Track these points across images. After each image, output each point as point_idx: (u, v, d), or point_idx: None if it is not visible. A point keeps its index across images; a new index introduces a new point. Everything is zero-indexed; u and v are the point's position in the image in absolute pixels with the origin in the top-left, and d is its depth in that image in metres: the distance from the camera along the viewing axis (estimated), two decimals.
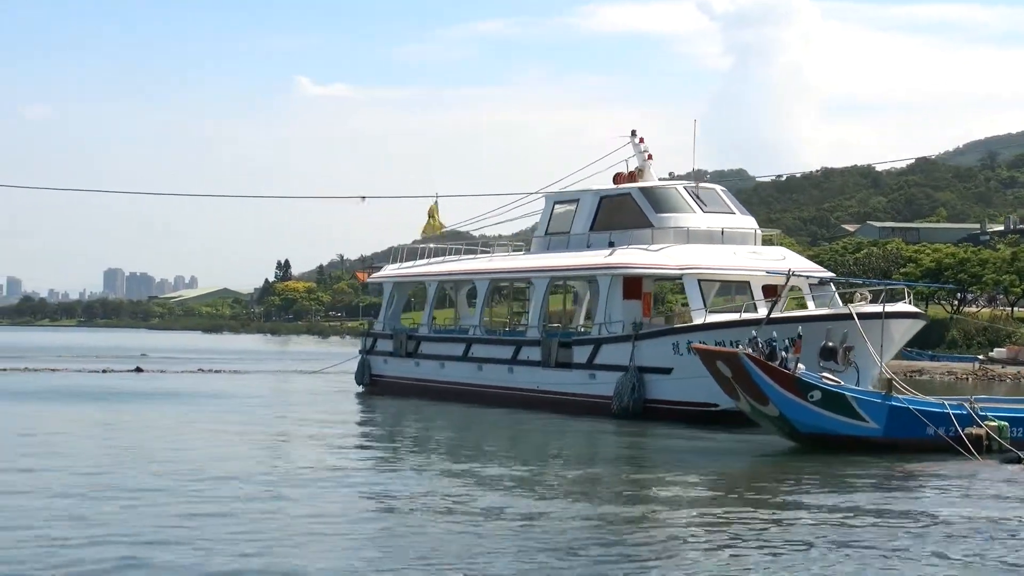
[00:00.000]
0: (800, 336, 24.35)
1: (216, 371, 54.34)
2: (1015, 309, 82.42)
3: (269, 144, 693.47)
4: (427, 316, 41.21)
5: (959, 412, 23.96)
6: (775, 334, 24.85)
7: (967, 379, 56.12)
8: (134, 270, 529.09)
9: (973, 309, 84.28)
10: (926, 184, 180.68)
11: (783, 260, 33.10)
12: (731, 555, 13.49)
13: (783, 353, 24.19)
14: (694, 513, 16.70)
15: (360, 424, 31.69)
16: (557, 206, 37.27)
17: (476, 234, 47.27)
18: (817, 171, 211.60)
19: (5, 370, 51.40)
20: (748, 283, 32.74)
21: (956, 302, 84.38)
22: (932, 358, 66.50)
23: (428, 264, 42.23)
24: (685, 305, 61.99)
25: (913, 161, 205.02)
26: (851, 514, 16.46)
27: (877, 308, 27.67)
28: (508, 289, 42.16)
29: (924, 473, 21.12)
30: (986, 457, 22.77)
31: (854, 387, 24.93)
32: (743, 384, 24.40)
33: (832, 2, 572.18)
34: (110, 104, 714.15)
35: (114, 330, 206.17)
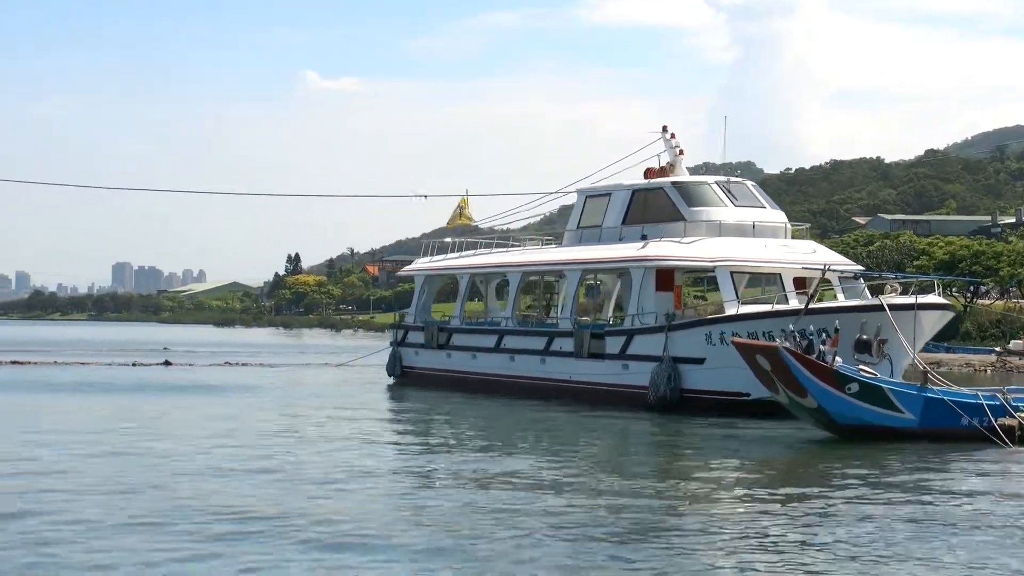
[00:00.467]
0: (837, 330, 24.93)
1: (243, 364, 54.96)
2: None
3: (277, 138, 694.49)
4: (459, 308, 41.89)
5: (992, 403, 24.55)
6: (812, 327, 25.44)
7: (986, 371, 56.60)
8: (142, 264, 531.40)
9: (986, 301, 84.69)
10: (935, 176, 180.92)
11: (814, 253, 33.78)
12: (772, 542, 13.95)
13: (820, 347, 24.78)
14: (739, 501, 17.34)
15: (405, 416, 32.21)
16: (589, 200, 37.91)
17: (496, 228, 47.92)
18: (826, 163, 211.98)
19: (36, 363, 52.10)
20: (779, 275, 33.38)
21: (970, 294, 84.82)
22: (948, 350, 66.95)
23: (460, 257, 42.92)
24: (698, 297, 62.53)
25: (922, 153, 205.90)
26: (892, 499, 17.07)
27: (909, 300, 28.24)
28: (539, 282, 42.73)
29: (960, 461, 21.71)
30: (1019, 446, 23.38)
31: (890, 379, 25.51)
32: (782, 377, 24.97)
33: None
34: (118, 98, 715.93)
35: (125, 324, 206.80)
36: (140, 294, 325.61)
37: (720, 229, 33.83)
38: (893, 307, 27.51)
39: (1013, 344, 66.63)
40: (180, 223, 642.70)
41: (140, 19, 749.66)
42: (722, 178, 35.97)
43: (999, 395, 24.96)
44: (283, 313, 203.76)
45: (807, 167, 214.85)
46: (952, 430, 24.25)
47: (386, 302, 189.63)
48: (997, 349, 65.22)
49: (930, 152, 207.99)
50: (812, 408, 24.95)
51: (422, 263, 44.94)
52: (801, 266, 32.01)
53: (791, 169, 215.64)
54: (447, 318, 43.50)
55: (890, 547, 13.71)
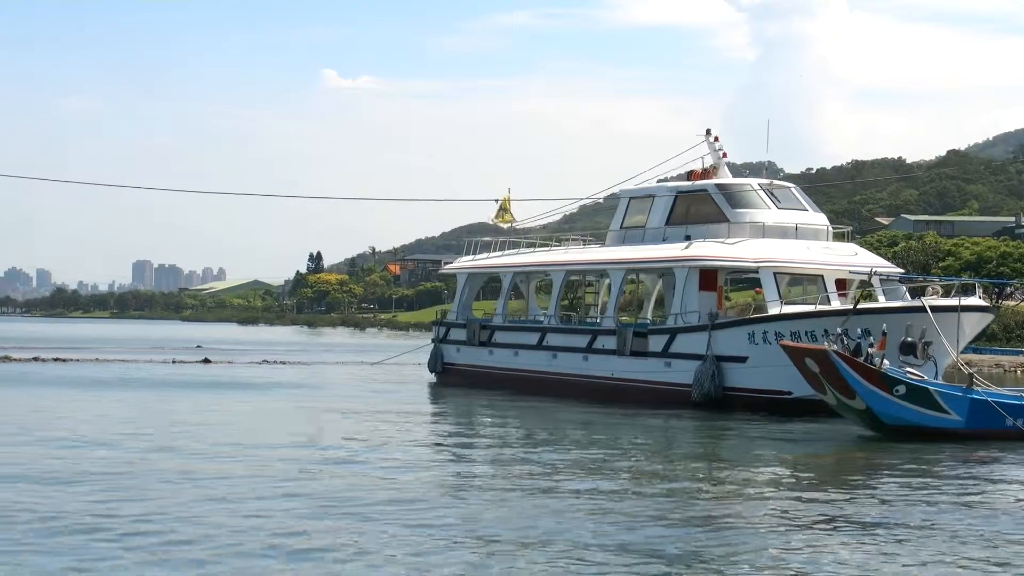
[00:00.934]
0: (885, 333, 25.47)
1: (281, 362, 55.67)
2: None
3: (296, 137, 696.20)
4: (501, 306, 42.60)
5: None
6: (860, 329, 25.99)
7: (1016, 372, 56.96)
8: (162, 262, 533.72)
9: (1012, 302, 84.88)
10: (958, 177, 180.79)
11: (855, 256, 34.35)
12: (826, 536, 14.43)
13: (868, 349, 25.35)
14: (788, 495, 17.90)
15: (451, 412, 32.87)
16: (632, 201, 38.55)
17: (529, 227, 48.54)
18: (847, 164, 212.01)
19: (78, 360, 52.89)
20: (821, 277, 33.92)
21: (995, 295, 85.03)
22: (975, 351, 67.24)
23: (502, 256, 43.64)
24: (727, 299, 63.01)
25: (944, 153, 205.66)
26: (938, 498, 17.51)
27: (953, 302, 28.75)
28: (580, 281, 43.35)
29: (1005, 461, 22.22)
30: None
31: (937, 381, 26.07)
32: (830, 379, 25.51)
33: None
34: (138, 97, 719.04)
35: (148, 321, 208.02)
36: (161, 292, 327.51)
37: (763, 231, 34.40)
38: (936, 309, 28.02)
39: None
40: (200, 221, 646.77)
41: (160, 19, 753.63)
42: (765, 181, 36.63)
43: None
44: (305, 312, 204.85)
45: (828, 167, 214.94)
46: (997, 431, 24.79)
47: (407, 301, 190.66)
48: None
49: (952, 152, 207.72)
50: (860, 409, 25.49)
51: (464, 261, 45.71)
52: (847, 268, 32.45)
53: (812, 169, 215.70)
54: (490, 315, 44.25)
55: (937, 541, 14.22)
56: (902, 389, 25.03)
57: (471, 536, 13.97)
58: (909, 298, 32.19)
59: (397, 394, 37.59)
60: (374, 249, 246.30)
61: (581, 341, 37.33)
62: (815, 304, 31.83)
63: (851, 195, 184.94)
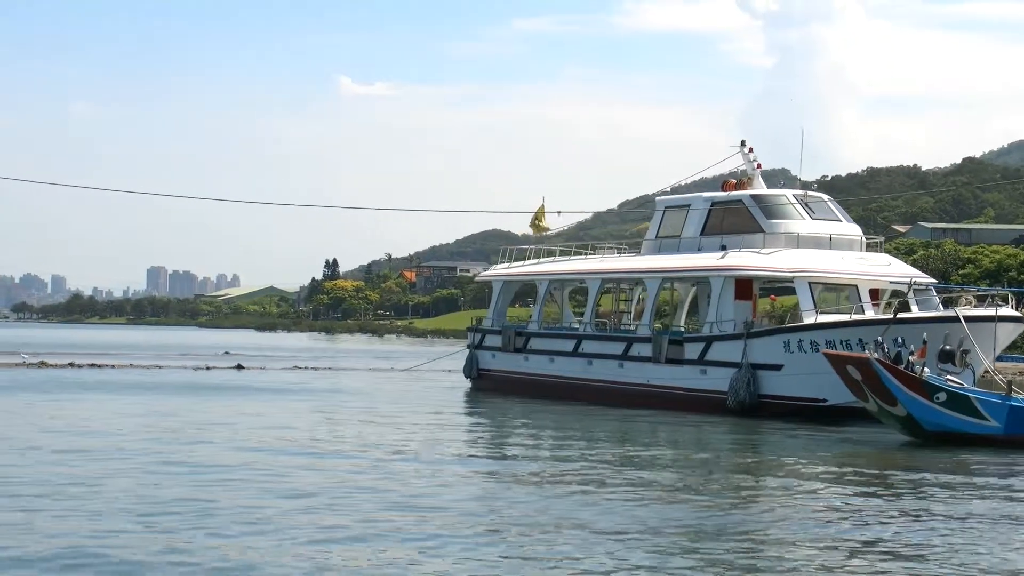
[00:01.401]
0: (925, 341, 26.12)
1: (313, 368, 56.37)
2: None
3: (311, 143, 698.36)
4: (538, 313, 43.30)
5: None
6: (899, 338, 26.64)
7: None
8: (177, 268, 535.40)
9: None
10: (973, 184, 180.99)
11: (889, 266, 34.98)
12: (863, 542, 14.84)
13: (909, 357, 26.01)
14: (830, 498, 18.58)
15: (503, 421, 33.29)
16: (668, 211, 39.21)
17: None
18: (863, 171, 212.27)
19: (113, 366, 53.62)
20: (855, 287, 34.54)
21: (1016, 303, 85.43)
22: (998, 359, 67.67)
23: (538, 264, 44.35)
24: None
25: (959, 161, 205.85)
26: (977, 503, 18.07)
27: (989, 312, 29.36)
28: (614, 288, 43.99)
29: None
30: None
31: (976, 388, 26.72)
32: (872, 386, 26.18)
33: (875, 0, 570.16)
34: (153, 103, 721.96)
35: (165, 328, 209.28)
36: (177, 298, 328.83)
37: (798, 241, 35.03)
38: (973, 319, 28.65)
39: None
40: (214, 228, 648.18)
41: (176, 25, 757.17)
42: (799, 192, 37.26)
43: None
44: (320, 318, 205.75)
45: (843, 174, 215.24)
46: None
47: (423, 307, 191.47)
48: None
49: (968, 160, 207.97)
50: (901, 416, 26.13)
51: (500, 269, 46.48)
52: (884, 278, 32.91)
53: (827, 176, 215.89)
54: (526, 322, 44.96)
55: (975, 544, 14.72)
56: (943, 396, 25.69)
57: (538, 527, 14.73)
58: (941, 307, 32.78)
59: (443, 398, 38.74)
60: (390, 256, 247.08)
61: (617, 348, 37.99)
62: (849, 313, 32.45)
63: (866, 203, 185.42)
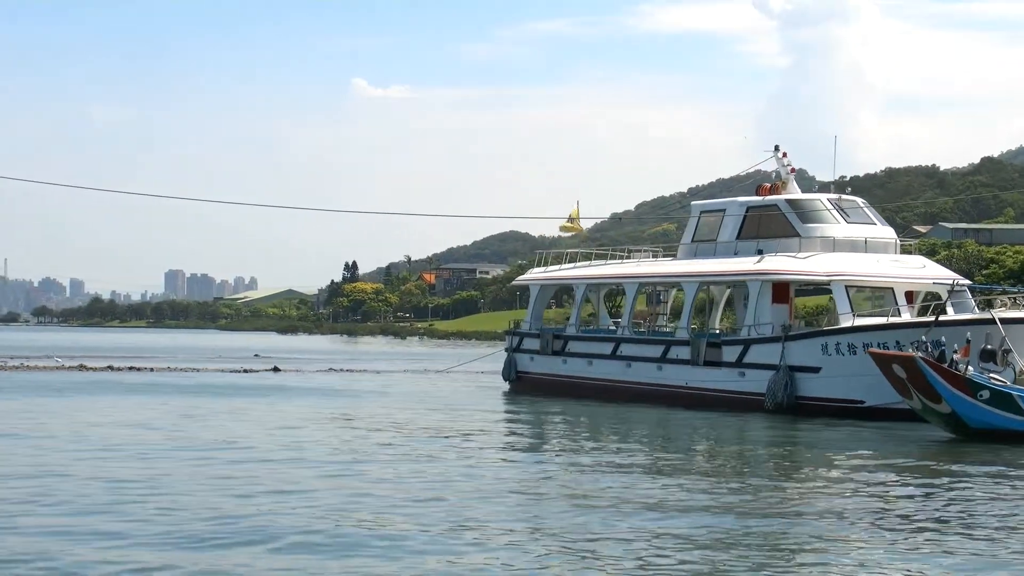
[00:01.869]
0: (969, 341, 26.75)
1: (347, 371, 57.08)
2: None
3: (328, 146, 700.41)
4: (575, 316, 43.99)
5: None
6: (943, 339, 27.28)
7: None
8: (195, 271, 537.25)
9: None
10: (992, 184, 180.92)
11: (923, 268, 35.61)
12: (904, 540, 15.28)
13: (953, 356, 26.65)
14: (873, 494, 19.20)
15: (548, 422, 34.01)
16: (703, 216, 39.87)
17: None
18: (881, 171, 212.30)
19: (152, 369, 54.46)
20: (891, 289, 35.16)
21: None
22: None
23: (575, 268, 45.05)
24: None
25: (977, 161, 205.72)
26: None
27: None
28: (651, 292, 44.63)
29: None
30: None
31: (1019, 387, 27.31)
32: (917, 384, 26.81)
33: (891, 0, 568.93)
34: (169, 106, 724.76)
35: (186, 331, 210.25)
36: (197, 302, 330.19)
37: (834, 245, 35.65)
38: (1011, 321, 29.27)
39: None
40: (231, 231, 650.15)
41: (192, 29, 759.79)
42: (834, 196, 37.84)
43: None
44: (340, 321, 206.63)
45: (861, 175, 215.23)
46: None
47: (443, 309, 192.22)
48: None
49: (986, 160, 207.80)
50: (945, 413, 26.77)
51: (537, 273, 47.23)
52: (926, 281, 33.39)
53: (845, 177, 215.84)
54: (563, 325, 45.66)
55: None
56: (986, 394, 26.36)
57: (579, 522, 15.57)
58: (977, 309, 33.32)
59: (488, 401, 39.76)
60: (409, 258, 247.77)
61: (655, 351, 38.65)
62: (886, 316, 33.06)
63: (884, 203, 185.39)
